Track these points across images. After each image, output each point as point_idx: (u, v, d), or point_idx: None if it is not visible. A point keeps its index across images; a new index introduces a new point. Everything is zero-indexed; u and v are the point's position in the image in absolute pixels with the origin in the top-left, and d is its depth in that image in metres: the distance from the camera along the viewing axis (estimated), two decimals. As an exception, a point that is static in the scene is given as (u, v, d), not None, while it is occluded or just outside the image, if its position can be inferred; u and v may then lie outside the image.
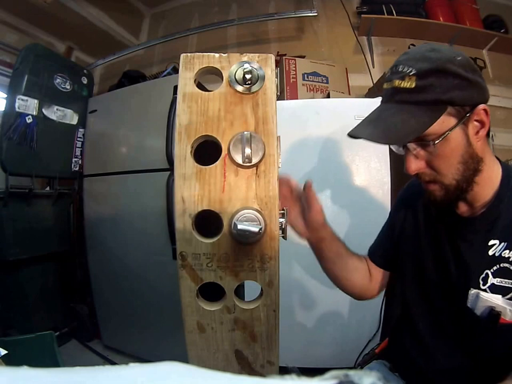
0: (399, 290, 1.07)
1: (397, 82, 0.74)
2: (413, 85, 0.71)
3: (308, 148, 1.98)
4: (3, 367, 0.26)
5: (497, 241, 0.78)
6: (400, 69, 0.74)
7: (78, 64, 2.91)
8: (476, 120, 0.75)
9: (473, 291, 0.80)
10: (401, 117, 0.73)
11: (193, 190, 0.60)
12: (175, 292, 2.26)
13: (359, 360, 1.45)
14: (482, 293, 0.78)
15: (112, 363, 2.36)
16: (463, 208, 0.85)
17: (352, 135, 0.80)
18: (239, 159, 0.59)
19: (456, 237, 0.86)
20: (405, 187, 1.10)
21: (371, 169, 1.98)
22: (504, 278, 0.77)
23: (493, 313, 0.76)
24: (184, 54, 0.63)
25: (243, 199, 0.60)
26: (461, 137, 0.74)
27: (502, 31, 2.76)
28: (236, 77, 0.61)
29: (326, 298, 2.01)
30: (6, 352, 1.07)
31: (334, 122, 2.00)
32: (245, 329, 0.69)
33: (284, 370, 0.81)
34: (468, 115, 0.73)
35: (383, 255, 1.08)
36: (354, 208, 1.98)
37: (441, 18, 2.75)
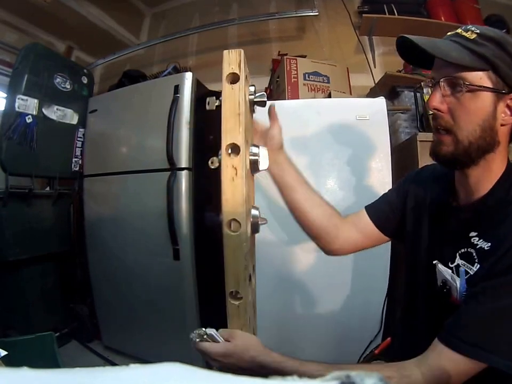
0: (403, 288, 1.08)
1: (459, 31, 0.78)
2: (472, 37, 0.75)
3: (308, 148, 1.98)
4: (3, 368, 0.26)
5: (476, 233, 0.80)
6: (468, 27, 0.77)
7: (78, 63, 2.92)
8: (507, 106, 0.77)
9: (435, 262, 0.86)
10: (457, 49, 0.75)
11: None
12: (176, 292, 2.27)
13: (361, 361, 1.46)
14: (439, 265, 0.85)
15: (113, 364, 2.36)
16: (461, 198, 0.88)
17: (404, 38, 0.80)
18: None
19: (444, 222, 0.90)
20: (420, 169, 1.10)
21: (372, 170, 1.98)
22: (466, 262, 0.80)
23: (445, 287, 0.83)
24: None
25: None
26: (489, 103, 0.76)
27: (504, 31, 2.76)
28: None
29: (328, 299, 2.01)
30: (6, 353, 1.07)
31: (335, 122, 2.00)
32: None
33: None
34: (503, 92, 0.75)
35: (380, 212, 1.09)
36: (355, 208, 1.98)
37: (442, 18, 2.75)
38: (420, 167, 1.17)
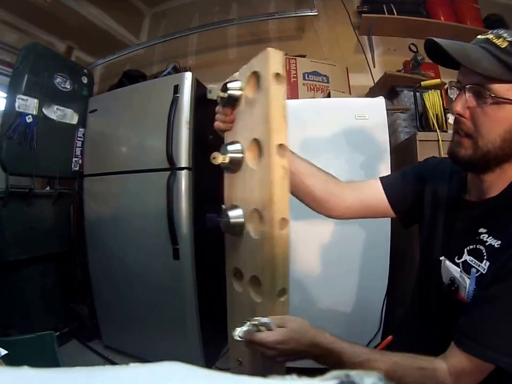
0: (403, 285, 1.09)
1: (491, 37, 0.76)
2: (504, 45, 0.73)
3: (308, 147, 1.98)
4: (3, 367, 0.26)
5: (485, 230, 0.80)
6: (500, 33, 0.75)
7: (78, 63, 2.92)
8: None
9: (442, 258, 0.87)
10: (487, 58, 0.73)
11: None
12: (175, 292, 2.27)
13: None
14: (447, 262, 0.85)
15: (113, 363, 2.36)
16: (473, 196, 0.88)
17: (433, 41, 0.79)
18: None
19: (454, 216, 0.91)
20: (440, 160, 1.09)
21: (372, 169, 1.98)
22: (473, 257, 0.80)
23: (453, 285, 0.82)
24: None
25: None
26: None
27: (503, 30, 2.76)
28: None
29: (327, 298, 2.01)
30: (6, 352, 1.07)
31: (335, 122, 2.01)
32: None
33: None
34: None
35: (396, 186, 1.07)
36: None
37: (442, 17, 2.75)
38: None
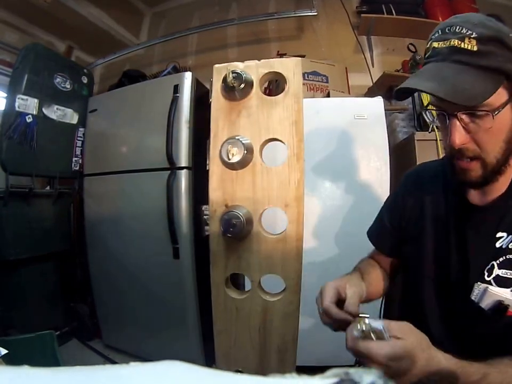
0: (399, 287, 1.07)
1: (456, 42, 0.70)
2: (475, 48, 0.68)
3: (307, 147, 1.97)
4: (4, 367, 0.26)
5: (505, 234, 0.77)
6: (457, 30, 0.70)
7: (78, 63, 2.92)
8: None
9: (481, 285, 0.78)
10: (466, 78, 0.69)
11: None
12: (175, 291, 2.25)
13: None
14: (491, 287, 0.77)
15: (113, 362, 2.36)
16: (475, 197, 0.83)
17: (410, 87, 0.74)
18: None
19: (464, 225, 0.84)
20: (413, 171, 1.06)
21: (371, 168, 1.98)
22: (509, 270, 0.76)
23: (501, 307, 0.75)
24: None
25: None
26: (509, 114, 0.72)
27: (502, 30, 2.76)
28: None
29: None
30: (6, 351, 1.07)
31: (334, 121, 2.01)
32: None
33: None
34: None
35: (390, 245, 1.06)
36: (353, 207, 1.98)
37: (440, 18, 2.74)
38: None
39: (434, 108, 0.78)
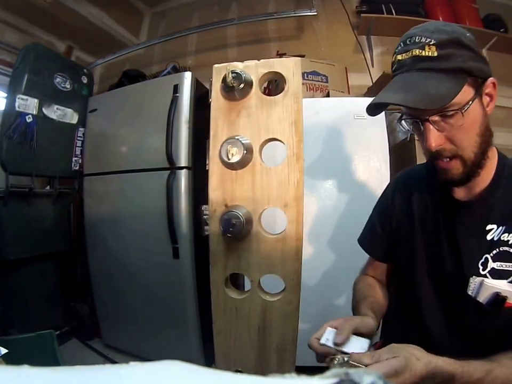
0: (393, 286, 1.07)
1: (417, 51, 0.74)
2: (435, 54, 0.72)
3: (307, 147, 1.97)
4: (4, 366, 0.26)
5: (494, 226, 0.79)
6: (417, 40, 0.74)
7: (78, 63, 2.91)
8: (486, 94, 0.78)
9: (476, 279, 0.79)
10: (431, 82, 0.72)
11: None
12: (175, 291, 2.25)
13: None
14: (486, 280, 0.78)
15: (113, 362, 2.36)
16: (460, 193, 0.84)
17: (380, 101, 0.77)
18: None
19: (452, 222, 0.86)
20: (399, 176, 1.09)
21: (370, 168, 1.99)
22: (504, 262, 0.77)
23: (499, 299, 0.76)
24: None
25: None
26: (478, 108, 0.76)
27: (502, 30, 2.76)
28: None
29: (325, 297, 2.02)
30: (6, 351, 1.07)
31: (334, 121, 2.01)
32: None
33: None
34: (481, 86, 0.76)
35: (383, 249, 1.07)
36: (353, 207, 1.98)
37: (440, 17, 2.75)
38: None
39: (407, 117, 0.82)
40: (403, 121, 0.84)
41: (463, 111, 0.72)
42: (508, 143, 2.72)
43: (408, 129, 0.84)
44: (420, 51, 0.73)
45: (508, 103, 2.76)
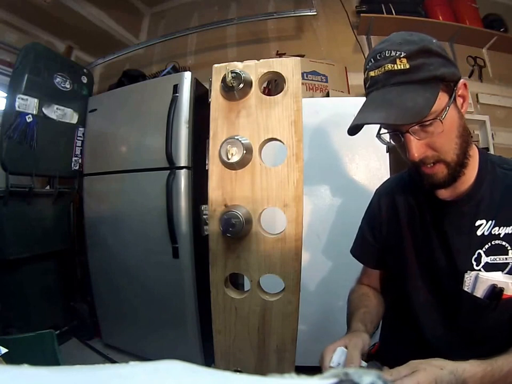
0: (389, 291, 1.08)
1: (389, 66, 0.74)
2: (407, 66, 0.72)
3: (306, 147, 1.98)
4: (3, 366, 0.26)
5: (484, 221, 0.80)
6: (387, 54, 0.74)
7: (78, 63, 2.91)
8: (459, 95, 0.78)
9: (471, 273, 0.81)
10: (408, 96, 0.72)
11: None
12: (175, 290, 2.25)
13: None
14: (481, 273, 0.79)
15: (113, 361, 2.36)
16: (445, 193, 0.84)
17: (360, 123, 0.77)
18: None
19: (441, 222, 0.87)
20: (383, 186, 1.10)
21: (370, 169, 1.99)
22: (497, 255, 0.79)
23: (496, 291, 0.77)
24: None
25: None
26: (454, 112, 0.76)
27: (502, 30, 2.76)
28: None
29: (324, 298, 2.02)
30: (6, 350, 1.07)
31: (334, 121, 2.01)
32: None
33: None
34: (454, 90, 0.76)
35: (376, 257, 1.08)
36: (353, 207, 1.98)
37: (440, 17, 2.75)
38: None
39: (387, 131, 0.82)
40: (380, 136, 0.84)
41: (441, 118, 0.73)
42: (508, 142, 2.73)
43: (387, 142, 0.84)
44: (392, 65, 0.73)
45: (508, 103, 2.76)
